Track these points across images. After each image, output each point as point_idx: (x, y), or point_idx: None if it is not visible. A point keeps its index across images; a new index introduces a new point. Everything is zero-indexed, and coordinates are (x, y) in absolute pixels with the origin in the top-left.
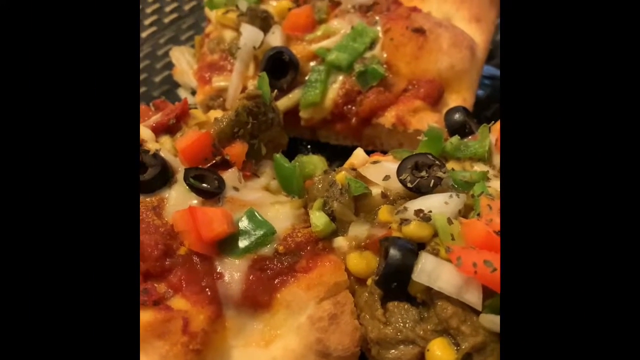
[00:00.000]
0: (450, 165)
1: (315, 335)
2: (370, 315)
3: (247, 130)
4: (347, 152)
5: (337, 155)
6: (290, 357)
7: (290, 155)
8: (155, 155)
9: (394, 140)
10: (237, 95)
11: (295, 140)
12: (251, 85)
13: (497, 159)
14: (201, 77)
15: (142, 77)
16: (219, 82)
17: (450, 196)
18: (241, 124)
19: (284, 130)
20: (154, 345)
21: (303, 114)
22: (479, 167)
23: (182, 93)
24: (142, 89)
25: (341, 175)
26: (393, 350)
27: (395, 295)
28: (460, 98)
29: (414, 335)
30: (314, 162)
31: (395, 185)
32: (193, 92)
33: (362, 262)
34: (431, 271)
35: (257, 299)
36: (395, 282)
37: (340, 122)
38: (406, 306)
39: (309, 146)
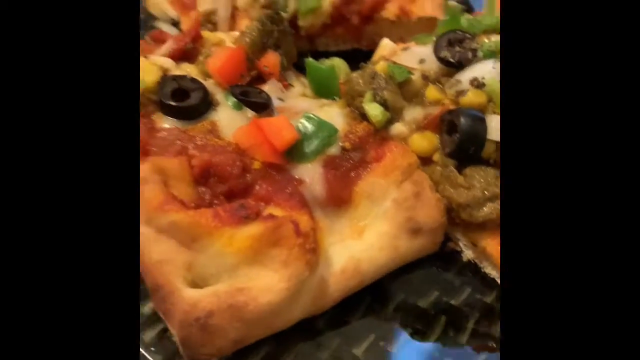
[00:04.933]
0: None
1: (403, 215)
2: (451, 185)
3: (274, 38)
4: (348, 58)
5: None
6: (385, 240)
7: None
8: (193, 79)
9: (395, 34)
10: (228, 15)
11: None
12: (240, 2)
13: None
14: (182, 4)
15: None
16: (205, 5)
17: (495, 61)
18: (268, 33)
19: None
20: (271, 254)
21: (302, 21)
22: (494, 38)
23: (163, 25)
24: None
25: (382, 65)
26: (484, 208)
27: (467, 163)
28: None
29: (499, 190)
30: (337, 64)
31: (432, 66)
32: (173, 23)
33: (425, 141)
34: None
35: (341, 196)
36: (473, 146)
37: (341, 25)
38: (482, 167)
39: (309, 56)
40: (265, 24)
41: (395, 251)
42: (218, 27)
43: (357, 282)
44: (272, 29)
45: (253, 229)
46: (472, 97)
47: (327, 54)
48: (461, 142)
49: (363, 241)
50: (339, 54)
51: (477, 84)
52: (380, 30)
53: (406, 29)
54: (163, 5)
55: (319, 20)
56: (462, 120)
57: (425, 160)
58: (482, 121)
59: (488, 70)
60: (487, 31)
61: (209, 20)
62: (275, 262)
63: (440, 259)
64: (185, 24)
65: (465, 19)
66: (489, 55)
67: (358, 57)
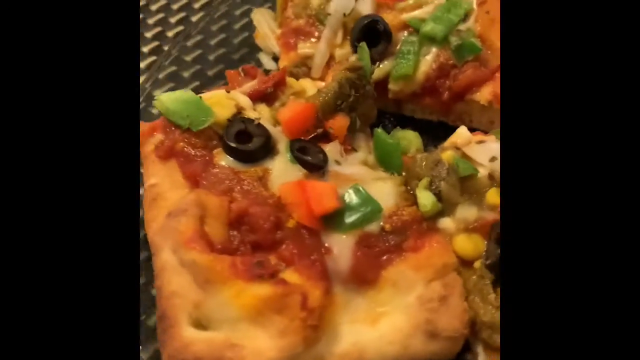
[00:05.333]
0: None
1: (424, 315)
2: (481, 299)
3: (349, 102)
4: (432, 127)
5: (421, 131)
6: (398, 336)
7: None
8: (259, 124)
9: (486, 118)
10: (323, 63)
11: (378, 113)
12: (338, 53)
13: None
14: (285, 42)
15: (220, 37)
16: (304, 49)
17: None
18: (344, 97)
19: (374, 103)
20: (272, 320)
21: (393, 86)
22: None
23: (263, 58)
24: (221, 51)
25: (448, 155)
26: None
27: None
28: None
29: None
30: (409, 138)
31: None
32: (274, 57)
33: (471, 245)
34: None
35: (365, 276)
36: None
37: (430, 96)
38: None
39: (392, 119)
40: (344, 87)
41: (406, 350)
42: (312, 72)
43: None
44: (349, 93)
45: (262, 290)
46: None
47: (413, 120)
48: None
49: (375, 330)
50: (424, 123)
51: None
52: (470, 110)
53: (498, 116)
54: (270, 40)
55: (410, 87)
56: None
57: (466, 264)
58: None
59: None
60: None
61: (304, 64)
62: (273, 329)
63: None
64: (283, 62)
65: None
66: None
67: (445, 130)
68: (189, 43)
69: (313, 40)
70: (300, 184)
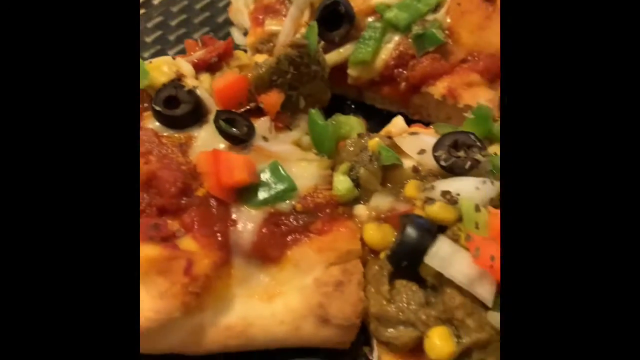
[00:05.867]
0: (494, 149)
1: (317, 298)
2: (376, 290)
3: (287, 80)
4: (392, 118)
5: (381, 120)
6: (289, 316)
7: (333, 113)
8: (190, 91)
9: (443, 113)
10: (287, 41)
11: (341, 99)
12: (303, 32)
13: None
14: (255, 18)
15: (204, 16)
16: (271, 25)
17: (484, 182)
18: (281, 73)
19: (327, 86)
20: (154, 280)
21: (351, 71)
22: None
23: (235, 32)
24: (181, 31)
25: (374, 142)
26: (391, 329)
27: (405, 274)
28: None
29: (415, 319)
30: (351, 124)
31: (429, 161)
32: (246, 34)
33: (379, 235)
34: (445, 257)
35: (267, 253)
36: (407, 261)
37: (388, 86)
38: (414, 287)
39: (353, 106)
40: (282, 63)
41: (296, 331)
42: (275, 49)
43: (240, 343)
44: (287, 70)
45: (150, 251)
46: (437, 210)
47: (374, 110)
48: (397, 251)
49: (267, 307)
50: (384, 114)
51: (449, 199)
52: (427, 104)
53: (456, 112)
54: (242, 16)
55: (368, 74)
56: (408, 230)
57: (376, 254)
58: (428, 238)
59: (468, 189)
60: None
61: (270, 41)
62: (155, 289)
63: (350, 356)
64: (250, 38)
65: (497, 127)
66: (489, 172)
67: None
68: (150, 25)
69: (281, 18)
70: (215, 153)
